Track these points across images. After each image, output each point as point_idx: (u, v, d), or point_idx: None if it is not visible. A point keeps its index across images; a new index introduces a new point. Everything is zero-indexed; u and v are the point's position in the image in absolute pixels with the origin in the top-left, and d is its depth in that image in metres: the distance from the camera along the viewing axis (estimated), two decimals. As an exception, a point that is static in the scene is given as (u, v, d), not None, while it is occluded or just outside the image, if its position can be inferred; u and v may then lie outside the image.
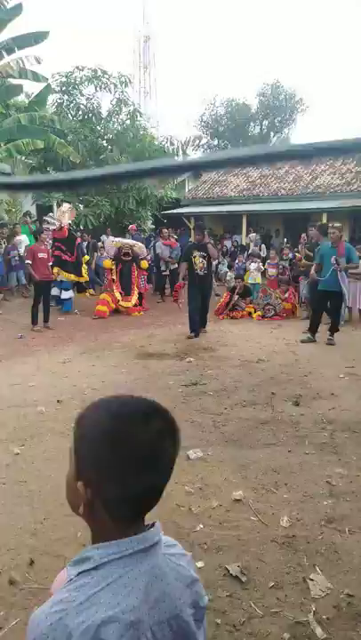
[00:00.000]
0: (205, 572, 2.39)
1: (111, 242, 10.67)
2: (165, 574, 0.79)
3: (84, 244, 12.25)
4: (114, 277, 10.20)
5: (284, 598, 2.25)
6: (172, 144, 14.63)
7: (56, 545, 2.63)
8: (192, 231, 17.00)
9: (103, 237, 13.55)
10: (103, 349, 7.13)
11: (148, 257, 11.62)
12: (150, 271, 12.92)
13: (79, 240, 10.78)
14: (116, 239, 10.98)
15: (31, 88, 15.46)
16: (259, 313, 9.69)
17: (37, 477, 3.37)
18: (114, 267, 10.21)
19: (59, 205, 13.97)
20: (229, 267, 13.49)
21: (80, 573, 0.75)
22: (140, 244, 10.95)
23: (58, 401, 4.87)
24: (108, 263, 10.35)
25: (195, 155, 28.06)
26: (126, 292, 10.17)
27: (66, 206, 10.14)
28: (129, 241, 10.86)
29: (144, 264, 10.50)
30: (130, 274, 10.24)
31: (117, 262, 10.20)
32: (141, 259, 10.44)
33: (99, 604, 0.71)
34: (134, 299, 10.24)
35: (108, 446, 0.75)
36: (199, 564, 2.46)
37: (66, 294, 10.13)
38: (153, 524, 0.82)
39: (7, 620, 2.11)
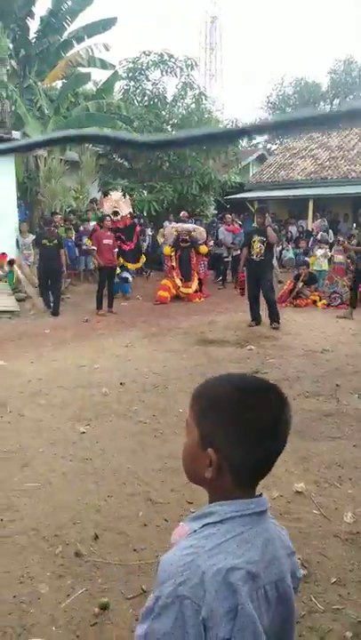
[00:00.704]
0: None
1: (171, 228, 10.68)
2: (274, 539, 0.85)
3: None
4: (173, 264, 10.23)
5: (347, 596, 2.19)
6: (237, 127, 14.30)
7: (119, 522, 2.72)
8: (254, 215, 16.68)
9: (166, 223, 13.62)
10: (164, 335, 7.22)
11: (211, 242, 11.53)
12: (212, 257, 12.85)
13: (138, 228, 10.93)
14: (176, 225, 10.97)
15: (99, 76, 15.74)
16: (324, 301, 9.37)
17: (101, 456, 3.49)
18: (173, 253, 10.23)
19: (124, 193, 14.21)
20: (295, 254, 13.10)
21: (205, 525, 0.81)
22: (200, 228, 10.87)
23: (121, 383, 5.01)
24: (167, 250, 10.38)
25: (260, 139, 27.34)
26: (186, 277, 10.17)
27: (117, 195, 10.21)
28: (188, 226, 10.81)
29: (203, 249, 10.40)
30: (189, 260, 10.22)
31: (176, 249, 10.22)
32: (200, 244, 10.36)
33: (226, 552, 0.77)
34: (194, 285, 10.24)
35: (236, 415, 0.82)
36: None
37: (125, 274, 10.33)
38: (261, 494, 0.88)
39: (74, 588, 2.23)
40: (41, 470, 3.30)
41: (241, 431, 0.82)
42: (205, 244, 10.67)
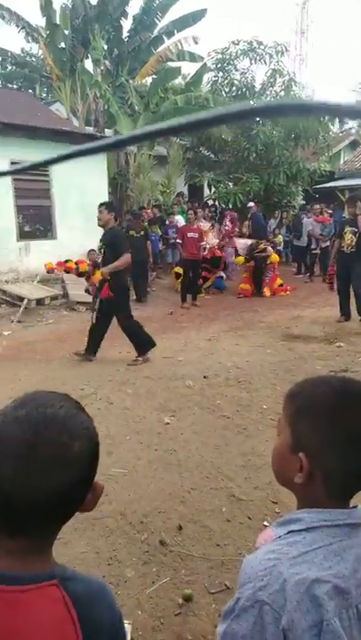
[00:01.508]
0: None
1: (243, 243, 10.35)
2: None
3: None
4: (246, 275, 9.97)
5: None
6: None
7: (202, 515, 2.75)
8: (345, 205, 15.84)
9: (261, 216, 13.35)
10: (248, 329, 7.14)
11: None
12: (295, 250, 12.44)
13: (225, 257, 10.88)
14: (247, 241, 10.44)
15: (188, 69, 15.81)
16: None
17: (185, 448, 3.55)
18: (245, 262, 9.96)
19: (210, 185, 14.19)
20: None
21: (290, 532, 0.79)
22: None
23: (204, 377, 5.04)
24: (240, 260, 10.10)
25: (353, 124, 25.84)
26: (257, 287, 9.87)
27: (205, 225, 10.06)
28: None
29: (275, 257, 10.01)
30: (261, 271, 9.84)
31: (250, 259, 9.91)
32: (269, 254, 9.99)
33: (311, 562, 0.74)
34: (278, 280, 9.97)
35: (333, 421, 0.79)
36: None
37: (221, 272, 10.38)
38: (356, 506, 0.83)
39: (158, 576, 2.30)
40: (127, 457, 3.43)
41: (337, 438, 0.78)
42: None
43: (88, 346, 5.70)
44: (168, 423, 3.98)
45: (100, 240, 5.54)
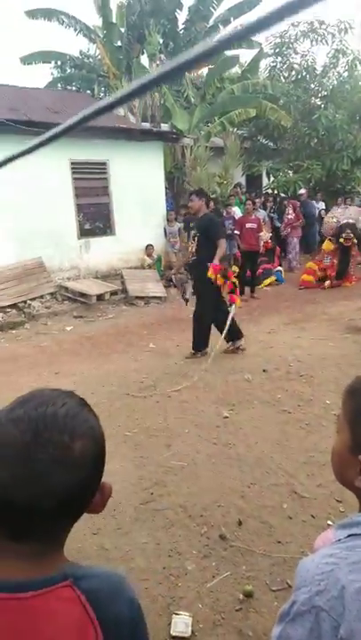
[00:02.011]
0: None
1: (331, 218, 9.80)
2: None
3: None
4: (330, 261, 9.44)
5: None
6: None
7: (263, 511, 2.70)
8: None
9: (313, 203, 12.95)
10: (309, 321, 6.92)
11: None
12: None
13: (279, 249, 10.61)
14: (338, 213, 9.95)
15: (244, 57, 15.48)
16: None
17: (244, 442, 3.50)
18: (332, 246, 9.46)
19: (268, 175, 13.87)
20: None
21: (350, 536, 0.75)
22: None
23: (264, 370, 4.95)
24: (328, 245, 9.49)
25: None
26: (339, 276, 9.37)
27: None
28: (354, 212, 9.77)
29: None
30: (348, 260, 9.29)
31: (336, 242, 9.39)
32: None
33: None
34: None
35: None
36: None
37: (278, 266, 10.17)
38: None
39: (218, 570, 2.28)
40: (186, 450, 3.43)
41: None
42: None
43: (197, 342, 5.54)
44: (227, 417, 3.94)
45: (194, 227, 5.44)
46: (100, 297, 8.63)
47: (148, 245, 10.23)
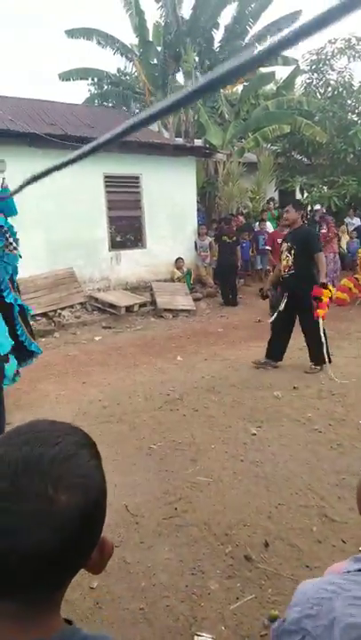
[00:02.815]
0: None
1: None
2: None
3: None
4: None
5: None
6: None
7: (291, 533, 2.59)
8: None
9: (347, 219, 12.76)
10: (343, 339, 6.74)
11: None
12: None
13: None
14: None
15: (280, 73, 15.55)
16: None
17: (272, 461, 3.39)
18: None
19: (302, 190, 13.78)
20: None
21: (359, 570, 0.71)
22: None
23: (294, 387, 4.82)
24: None
25: None
26: None
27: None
28: None
29: None
30: None
31: None
32: None
33: None
34: None
35: None
36: None
37: None
38: None
39: (243, 592, 2.19)
40: (212, 466, 3.35)
41: None
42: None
43: (272, 351, 5.48)
44: (255, 434, 3.85)
45: (288, 240, 5.27)
46: (128, 308, 8.68)
47: (178, 259, 10.27)
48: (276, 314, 5.38)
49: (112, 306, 8.63)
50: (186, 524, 2.71)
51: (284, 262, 5.24)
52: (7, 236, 4.01)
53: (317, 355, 5.22)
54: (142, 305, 9.01)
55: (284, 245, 5.28)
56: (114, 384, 5.23)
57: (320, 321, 5.08)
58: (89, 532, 0.57)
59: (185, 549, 2.50)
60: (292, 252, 5.13)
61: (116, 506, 2.86)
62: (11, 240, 3.95)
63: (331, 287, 5.27)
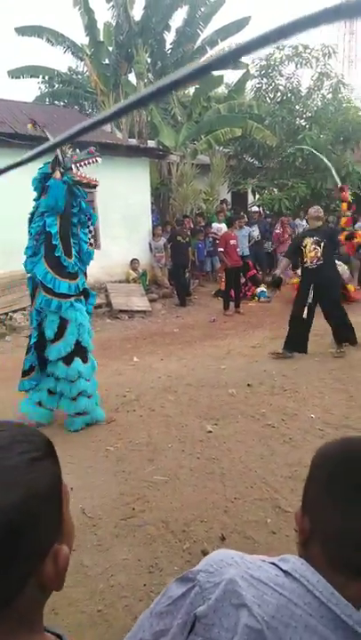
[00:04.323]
0: None
1: None
2: None
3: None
4: None
5: None
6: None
7: (246, 526, 2.65)
8: None
9: (297, 221, 13.15)
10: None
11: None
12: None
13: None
14: None
15: (231, 77, 15.84)
16: None
17: (228, 457, 3.46)
18: None
19: (254, 192, 14.08)
20: None
21: (273, 564, 0.72)
22: None
23: (248, 385, 4.93)
24: None
25: None
26: None
27: None
28: None
29: None
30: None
31: None
32: None
33: (260, 596, 0.67)
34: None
35: (327, 489, 0.73)
36: None
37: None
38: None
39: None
40: (169, 465, 3.38)
41: (331, 508, 0.71)
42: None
43: (295, 342, 5.92)
44: (211, 431, 3.90)
45: (314, 236, 5.80)
46: (84, 310, 8.56)
47: (133, 260, 10.23)
48: (306, 307, 5.84)
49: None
50: (144, 523, 2.71)
51: (311, 254, 5.75)
52: (90, 228, 4.26)
53: (348, 335, 5.88)
54: (97, 306, 8.91)
55: (310, 240, 5.79)
56: (69, 387, 5.15)
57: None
58: (17, 538, 0.51)
59: (143, 548, 2.50)
60: (321, 244, 5.72)
61: (73, 510, 2.82)
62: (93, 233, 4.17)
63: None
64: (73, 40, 14.03)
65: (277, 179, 13.21)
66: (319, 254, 5.73)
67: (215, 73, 13.72)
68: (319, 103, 13.56)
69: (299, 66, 13.15)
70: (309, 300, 5.79)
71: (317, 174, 12.81)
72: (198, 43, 14.32)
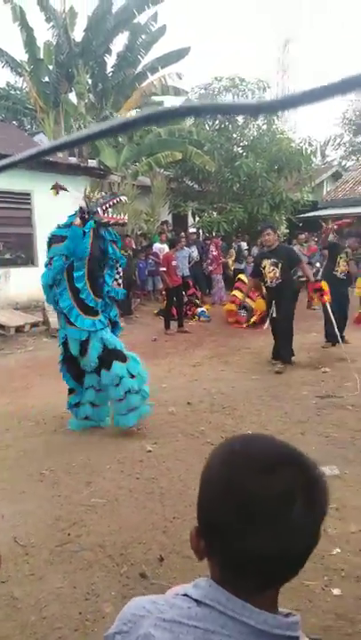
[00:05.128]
0: (343, 601, 2.17)
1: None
2: None
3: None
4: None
5: None
6: (310, 144, 14.11)
7: (185, 545, 2.63)
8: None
9: (235, 244, 13.60)
10: (233, 355, 7.10)
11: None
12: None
13: None
14: None
15: (172, 103, 16.28)
16: None
17: (167, 476, 3.43)
18: None
19: (193, 215, 14.44)
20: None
21: (185, 595, 0.70)
22: None
23: (188, 403, 4.95)
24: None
25: (335, 153, 26.71)
26: None
27: None
28: None
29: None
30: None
31: None
32: None
33: (176, 637, 0.65)
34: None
35: (212, 496, 0.71)
36: (335, 592, 2.25)
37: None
38: (287, 615, 0.69)
39: (138, 612, 2.16)
40: (108, 487, 3.29)
41: (219, 514, 0.70)
42: None
43: (284, 353, 6.31)
44: (150, 451, 3.86)
45: (271, 257, 6.12)
46: (19, 329, 8.28)
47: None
48: (268, 321, 6.36)
49: (1, 326, 8.16)
50: (80, 548, 2.61)
51: (271, 274, 6.12)
52: (119, 270, 4.43)
53: (283, 352, 6.32)
54: (34, 325, 8.65)
55: (268, 261, 6.14)
56: (2, 409, 4.92)
57: (328, 306, 6.41)
58: None
59: (79, 575, 2.40)
60: (279, 265, 6.08)
61: (4, 539, 2.67)
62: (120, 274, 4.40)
63: (324, 283, 6.51)
64: (12, 55, 13.87)
65: (216, 202, 13.64)
66: (278, 274, 6.10)
67: (156, 98, 14.09)
68: (255, 133, 14.26)
69: (236, 97, 13.79)
70: (273, 315, 6.23)
71: (253, 199, 13.38)
72: (139, 68, 14.66)
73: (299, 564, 0.68)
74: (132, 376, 4.14)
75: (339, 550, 2.54)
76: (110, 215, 4.21)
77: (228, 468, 0.70)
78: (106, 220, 4.20)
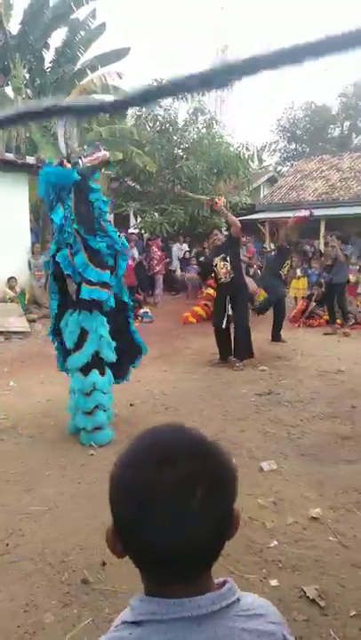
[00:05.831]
0: (280, 592, 2.26)
1: None
2: None
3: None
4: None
5: (368, 631, 2.06)
6: (247, 149, 14.50)
7: (127, 548, 2.62)
8: (267, 237, 16.72)
9: (177, 245, 13.71)
10: (176, 355, 7.17)
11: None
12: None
13: None
14: None
15: (112, 102, 16.10)
16: (338, 321, 9.26)
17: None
18: None
19: (135, 215, 14.41)
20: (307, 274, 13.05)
21: (124, 623, 0.68)
22: None
23: (130, 404, 4.94)
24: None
25: (271, 159, 27.61)
26: None
27: None
28: None
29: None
30: None
31: None
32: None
33: None
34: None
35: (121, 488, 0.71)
36: (273, 583, 2.34)
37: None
38: (223, 583, 0.69)
39: (79, 618, 2.13)
40: (48, 493, 3.22)
41: (126, 510, 0.69)
42: None
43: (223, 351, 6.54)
44: (92, 454, 3.82)
45: (220, 253, 6.31)
46: None
47: (10, 278, 9.72)
48: (226, 318, 6.32)
49: None
50: (18, 559, 2.54)
51: (223, 270, 6.25)
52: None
53: (240, 349, 6.46)
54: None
55: (218, 258, 6.30)
56: None
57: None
58: None
59: (17, 586, 2.34)
60: (228, 259, 6.24)
61: None
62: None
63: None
64: None
65: (158, 203, 13.68)
66: (229, 268, 6.27)
67: (97, 96, 13.87)
68: (195, 136, 14.44)
69: (175, 99, 13.89)
70: (229, 312, 6.31)
71: (194, 202, 13.54)
72: (79, 65, 14.39)
73: (211, 552, 0.67)
74: (104, 393, 4.05)
75: (276, 542, 2.65)
76: (91, 159, 3.94)
77: (129, 461, 0.71)
78: (90, 164, 3.91)
